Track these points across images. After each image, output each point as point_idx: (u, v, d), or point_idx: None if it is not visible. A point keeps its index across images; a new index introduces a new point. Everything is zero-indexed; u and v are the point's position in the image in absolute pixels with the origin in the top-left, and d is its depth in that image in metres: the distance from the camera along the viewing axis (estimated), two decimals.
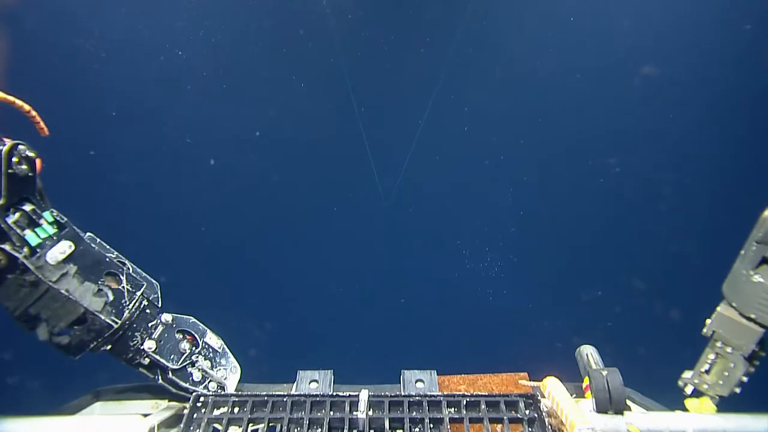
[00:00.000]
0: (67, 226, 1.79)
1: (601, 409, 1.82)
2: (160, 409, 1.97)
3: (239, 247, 8.52)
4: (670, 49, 7.71)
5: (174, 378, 1.97)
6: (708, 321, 1.79)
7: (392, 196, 8.73)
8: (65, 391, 2.20)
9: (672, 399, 1.94)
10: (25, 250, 1.59)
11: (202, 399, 1.76)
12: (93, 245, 1.87)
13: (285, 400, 1.74)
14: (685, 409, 1.86)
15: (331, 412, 1.70)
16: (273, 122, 8.29)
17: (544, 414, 1.71)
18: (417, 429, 1.67)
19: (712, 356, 1.79)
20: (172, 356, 1.98)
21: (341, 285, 8.61)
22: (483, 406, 1.72)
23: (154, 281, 2.04)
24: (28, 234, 1.62)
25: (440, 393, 1.79)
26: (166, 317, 2.03)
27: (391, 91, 8.52)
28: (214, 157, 8.30)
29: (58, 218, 1.77)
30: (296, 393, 1.95)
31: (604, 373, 1.88)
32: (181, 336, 2.06)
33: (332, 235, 8.79)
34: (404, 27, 8.19)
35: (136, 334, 1.89)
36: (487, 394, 1.76)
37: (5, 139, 1.57)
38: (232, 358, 2.18)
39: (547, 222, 8.57)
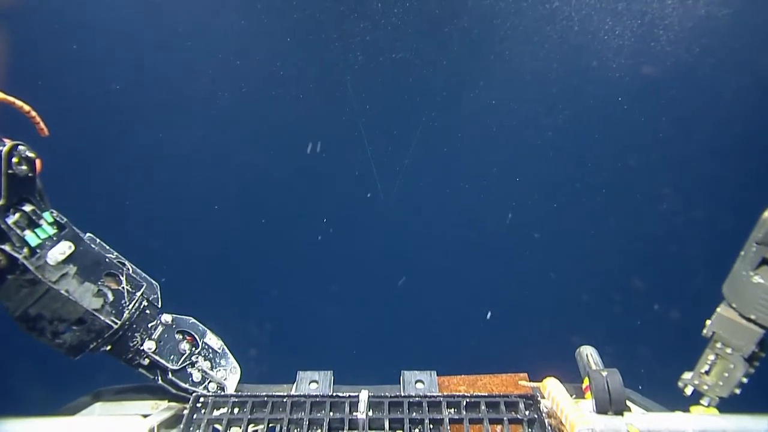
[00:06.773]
0: (67, 226, 1.78)
1: (601, 409, 1.82)
2: (160, 410, 1.96)
3: (240, 248, 8.52)
4: (670, 50, 7.71)
5: (174, 378, 1.97)
6: (708, 322, 1.79)
7: (392, 196, 8.73)
8: (65, 391, 2.19)
9: (672, 399, 1.94)
10: (25, 250, 1.58)
11: (201, 399, 1.76)
12: (93, 246, 1.86)
13: (285, 400, 1.73)
14: (685, 410, 1.86)
15: (331, 413, 1.70)
16: (274, 124, 8.31)
17: (544, 415, 1.70)
18: (417, 430, 1.67)
19: (711, 357, 1.79)
20: (171, 357, 1.98)
21: (341, 285, 8.61)
22: (483, 407, 1.72)
23: (154, 282, 2.03)
24: (28, 234, 1.61)
25: (440, 394, 1.78)
26: (166, 318, 2.03)
27: (392, 92, 8.53)
28: (216, 158, 8.31)
29: (58, 219, 1.77)
30: (296, 393, 1.94)
31: (604, 373, 1.87)
32: (180, 336, 2.06)
33: (332, 236, 8.79)
34: (405, 29, 8.19)
35: (135, 334, 1.89)
36: (487, 394, 1.76)
37: (5, 140, 1.56)
38: (231, 359, 2.17)
39: (547, 222, 8.57)
